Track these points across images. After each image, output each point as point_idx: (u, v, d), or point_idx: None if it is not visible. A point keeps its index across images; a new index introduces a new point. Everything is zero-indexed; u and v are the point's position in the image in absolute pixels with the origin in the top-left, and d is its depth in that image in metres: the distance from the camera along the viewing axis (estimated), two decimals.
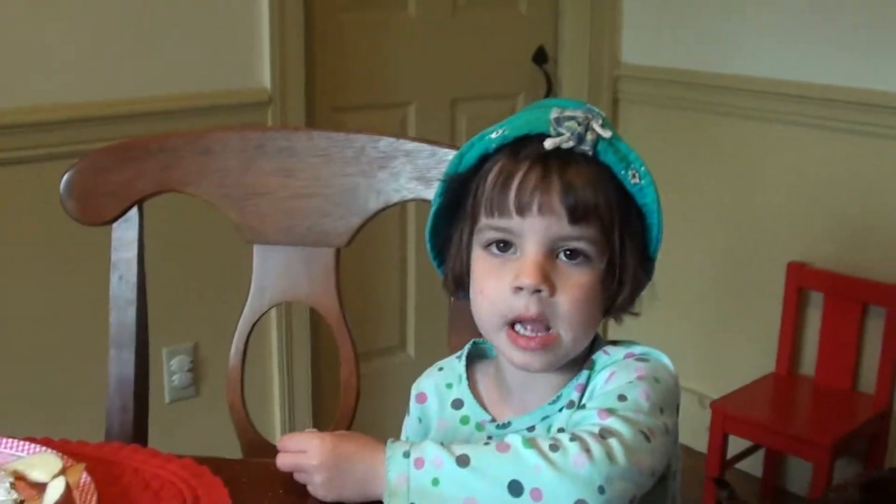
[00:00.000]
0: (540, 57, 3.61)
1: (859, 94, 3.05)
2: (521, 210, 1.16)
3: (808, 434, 2.95)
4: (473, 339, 1.35)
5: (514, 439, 1.09)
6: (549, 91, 3.62)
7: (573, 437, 1.08)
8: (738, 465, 3.27)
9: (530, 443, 1.08)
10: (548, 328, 1.17)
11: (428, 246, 1.32)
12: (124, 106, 2.66)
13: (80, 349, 2.65)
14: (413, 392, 1.36)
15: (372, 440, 1.15)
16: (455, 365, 1.34)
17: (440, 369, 1.36)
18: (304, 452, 1.16)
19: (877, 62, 3.03)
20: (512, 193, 1.16)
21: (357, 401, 1.60)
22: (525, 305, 1.16)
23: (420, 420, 1.34)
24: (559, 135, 1.15)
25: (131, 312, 1.61)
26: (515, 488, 1.06)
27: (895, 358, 3.04)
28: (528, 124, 1.18)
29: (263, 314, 1.61)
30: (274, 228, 1.58)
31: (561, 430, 1.19)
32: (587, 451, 1.06)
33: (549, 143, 1.15)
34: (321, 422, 3.18)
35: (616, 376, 1.18)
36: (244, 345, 1.61)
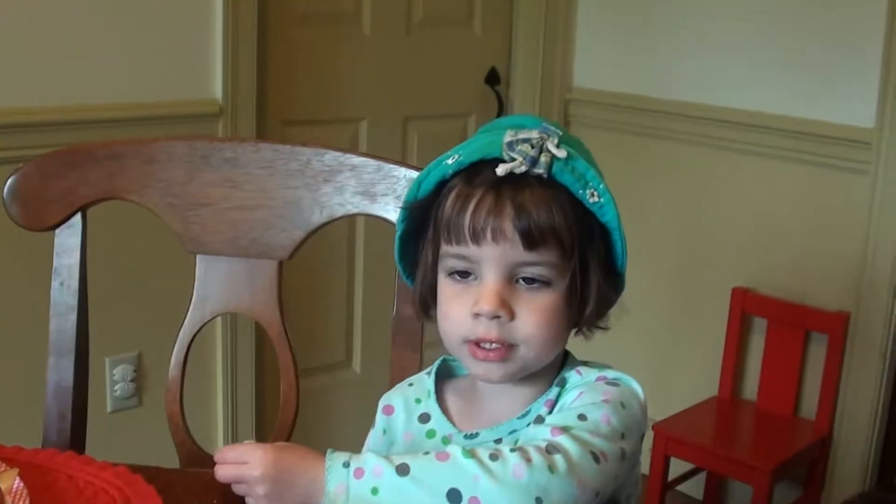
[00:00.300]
0: (492, 78, 3.63)
1: (806, 124, 3.09)
2: (476, 238, 1.16)
3: (749, 458, 2.97)
4: (443, 356, 1.35)
5: (454, 449, 1.10)
6: (500, 112, 3.63)
7: (514, 449, 1.09)
8: (680, 488, 3.29)
9: (470, 453, 1.09)
10: (510, 345, 1.18)
11: (399, 268, 1.32)
12: (73, 112, 2.64)
13: (18, 354, 2.63)
14: (381, 404, 1.36)
15: (313, 452, 1.15)
16: (424, 380, 1.34)
17: (410, 385, 1.35)
18: (245, 464, 1.14)
19: (824, 93, 3.07)
20: (467, 220, 1.16)
21: (296, 414, 1.60)
22: (485, 330, 1.17)
23: (385, 432, 1.33)
24: (512, 160, 1.15)
25: (72, 319, 1.60)
26: (454, 497, 1.07)
27: (836, 384, 3.07)
28: (481, 149, 1.18)
29: (205, 325, 1.61)
30: (217, 239, 1.57)
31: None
32: (527, 460, 1.07)
33: (500, 170, 1.15)
34: (264, 434, 3.17)
35: (583, 396, 1.19)
36: (185, 355, 1.60)
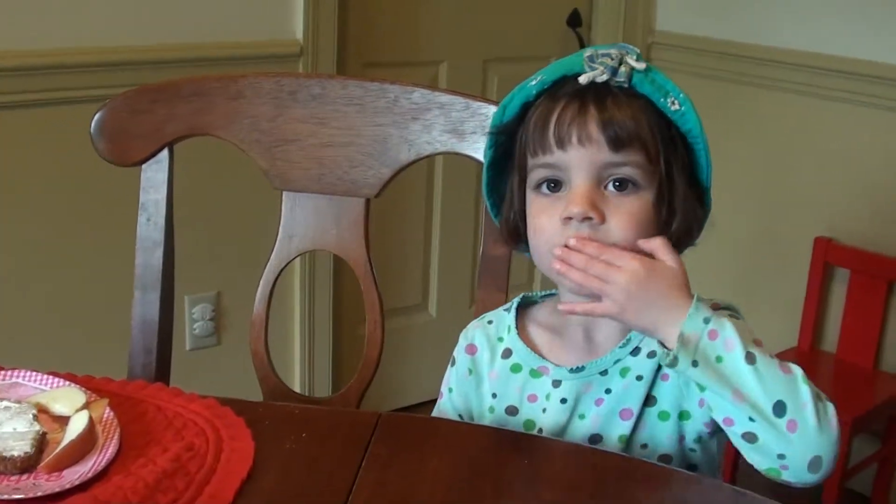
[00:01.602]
0: (574, 20, 3.58)
1: (893, 70, 3.02)
2: (562, 143, 1.18)
3: None
4: (523, 293, 1.36)
5: (797, 370, 1.14)
6: None
7: (823, 396, 1.15)
8: None
9: (807, 380, 1.13)
10: None
11: (487, 202, 1.34)
12: (156, 52, 2.65)
13: (105, 289, 2.66)
14: (462, 343, 1.37)
15: (682, 288, 1.17)
16: (504, 317, 1.35)
17: (489, 322, 1.36)
18: (613, 266, 1.15)
19: None
20: (551, 129, 1.19)
21: (381, 353, 1.60)
22: (576, 233, 1.18)
23: (471, 371, 1.35)
24: (593, 70, 1.18)
25: (158, 255, 1.61)
26: (779, 409, 1.11)
27: None
28: (563, 67, 1.22)
29: (290, 262, 1.61)
30: (304, 176, 1.57)
31: (639, 378, 1.23)
32: (836, 417, 1.13)
33: (583, 79, 1.18)
34: (340, 374, 3.19)
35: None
36: (269, 292, 1.61)
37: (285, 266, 1.61)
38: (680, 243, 1.23)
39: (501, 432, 1.27)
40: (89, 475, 1.08)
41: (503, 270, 1.54)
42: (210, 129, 1.58)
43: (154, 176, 1.59)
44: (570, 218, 1.17)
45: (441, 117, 1.53)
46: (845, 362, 3.17)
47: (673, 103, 1.19)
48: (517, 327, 1.33)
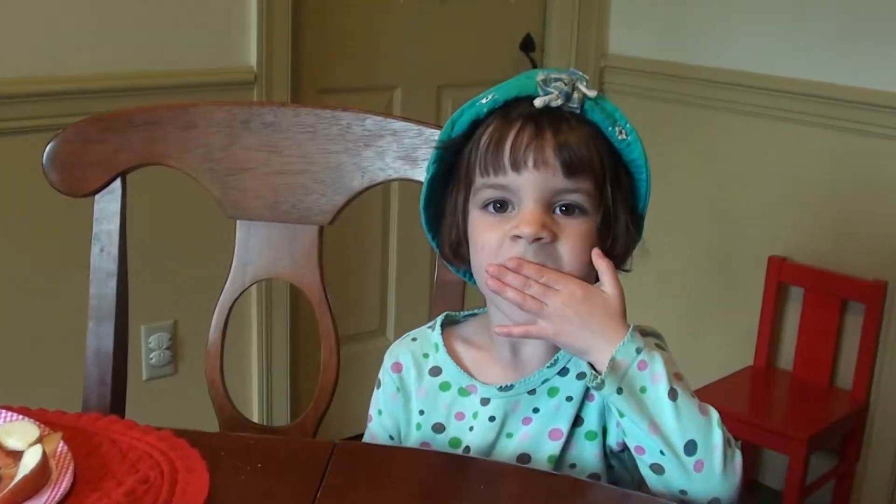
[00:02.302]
0: (527, 45, 3.61)
1: (844, 90, 3.05)
2: (517, 166, 1.19)
3: (785, 428, 2.95)
4: (446, 312, 1.38)
5: (714, 413, 1.16)
6: None
7: (733, 442, 1.17)
8: None
9: (722, 425, 1.15)
10: None
11: (423, 217, 1.33)
12: (108, 80, 2.64)
13: (58, 321, 2.64)
14: (387, 362, 1.37)
15: (617, 315, 1.18)
16: (429, 335, 1.36)
17: (413, 339, 1.38)
18: (550, 289, 1.17)
19: (863, 60, 3.03)
20: (506, 151, 1.20)
21: (336, 380, 1.60)
22: (522, 252, 1.19)
23: (398, 389, 1.35)
24: (547, 94, 1.19)
25: (112, 285, 1.60)
26: (690, 448, 1.13)
27: (873, 354, 3.05)
28: (516, 88, 1.22)
29: (245, 290, 1.61)
30: (257, 204, 1.57)
31: (569, 399, 1.25)
32: (741, 465, 1.16)
33: (538, 102, 1.19)
34: (299, 401, 3.18)
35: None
36: (224, 321, 1.60)
37: (240, 294, 1.60)
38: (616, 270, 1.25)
39: (456, 458, 1.27)
40: None
41: (458, 296, 1.54)
42: (162, 158, 1.58)
43: (107, 206, 1.58)
44: (519, 237, 1.18)
45: (394, 144, 1.54)
46: (801, 380, 3.20)
47: (620, 132, 1.21)
48: (445, 344, 1.34)
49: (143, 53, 2.71)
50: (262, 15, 2.85)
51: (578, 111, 1.20)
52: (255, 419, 3.07)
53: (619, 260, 1.24)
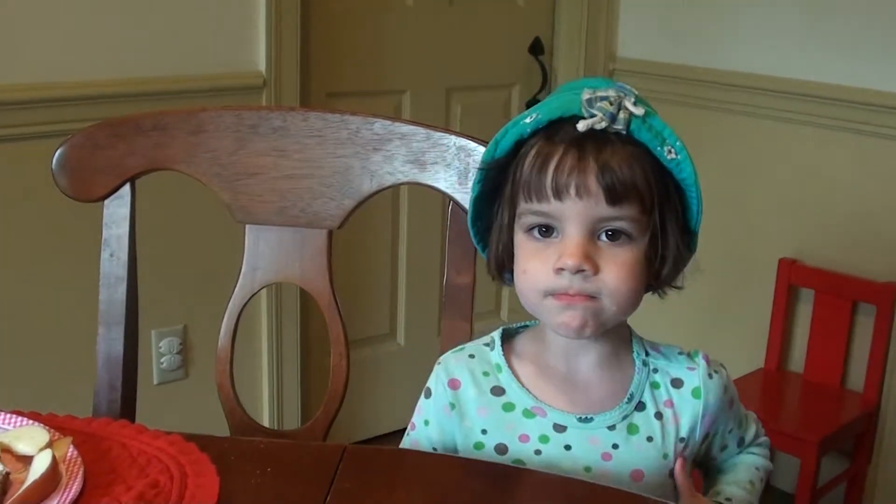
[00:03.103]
0: (536, 48, 3.61)
1: (856, 92, 3.05)
2: (559, 194, 1.17)
3: (796, 430, 2.95)
4: (503, 327, 1.35)
5: None
6: (544, 83, 3.61)
7: None
8: None
9: None
10: (593, 297, 1.19)
11: (471, 232, 1.33)
12: (119, 86, 2.65)
13: (69, 326, 2.64)
14: (442, 376, 1.34)
15: None
16: (487, 354, 1.33)
17: (471, 356, 1.34)
18: None
19: (873, 62, 3.03)
20: (549, 177, 1.18)
21: (346, 385, 1.59)
22: (568, 283, 1.18)
23: (453, 406, 1.32)
24: (592, 116, 1.16)
25: (121, 290, 1.60)
26: None
27: (884, 356, 3.04)
28: (560, 107, 1.19)
29: (254, 295, 1.61)
30: (266, 209, 1.57)
31: (650, 439, 1.26)
32: None
33: (581, 126, 1.16)
34: (309, 405, 3.18)
35: (736, 402, 1.36)
36: (234, 325, 1.60)
37: (249, 299, 1.60)
38: (666, 287, 1.26)
39: (468, 462, 1.27)
40: None
41: (467, 300, 1.54)
42: (171, 163, 1.58)
43: (116, 211, 1.59)
44: (563, 269, 1.17)
45: (402, 148, 1.54)
46: (812, 382, 3.19)
47: (670, 152, 1.18)
48: (507, 364, 1.32)
49: (153, 59, 2.71)
50: (270, 19, 2.86)
51: (625, 132, 1.17)
52: (266, 423, 3.07)
53: (668, 279, 1.24)
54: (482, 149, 1.49)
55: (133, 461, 1.20)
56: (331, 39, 3.14)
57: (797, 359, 3.28)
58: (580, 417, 1.26)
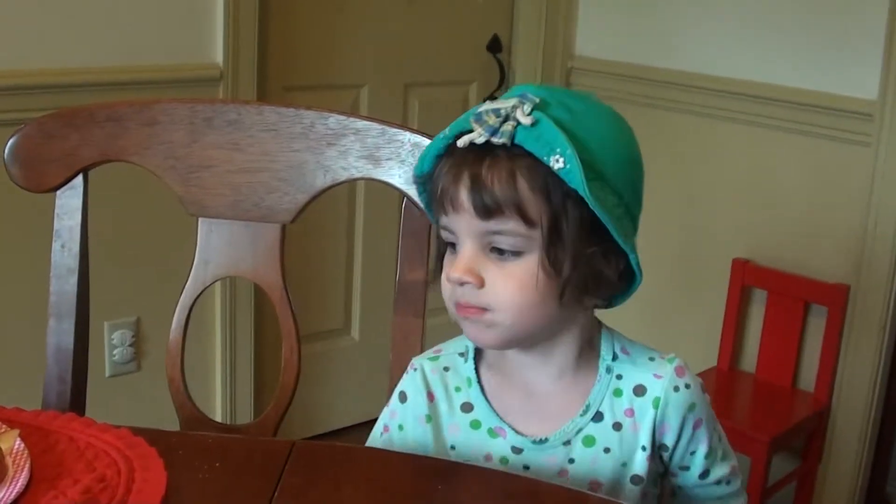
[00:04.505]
0: (494, 46, 3.61)
1: (808, 95, 3.08)
2: (444, 209, 1.19)
3: (747, 429, 2.97)
4: None
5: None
6: (502, 80, 3.62)
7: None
8: None
9: None
10: (484, 309, 1.19)
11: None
12: (72, 75, 2.63)
13: (18, 317, 2.62)
14: (419, 385, 1.34)
15: None
16: (460, 366, 1.34)
17: (446, 369, 1.34)
18: None
19: (827, 64, 3.05)
20: (437, 193, 1.20)
21: (298, 379, 1.59)
22: (461, 295, 1.20)
23: (429, 418, 1.32)
24: (474, 131, 1.16)
25: (73, 282, 1.59)
26: None
27: (835, 357, 3.07)
28: (462, 122, 1.19)
29: (206, 288, 1.60)
30: (219, 202, 1.56)
31: (607, 450, 1.26)
32: None
33: (460, 142, 1.17)
34: (263, 399, 3.17)
35: (704, 428, 1.30)
36: (186, 318, 1.59)
37: (201, 292, 1.60)
38: (583, 299, 1.22)
39: (415, 458, 1.27)
40: None
41: (420, 296, 1.54)
42: (124, 154, 1.57)
43: (68, 202, 1.57)
44: (450, 281, 1.19)
45: (357, 143, 1.53)
46: (764, 382, 3.21)
47: (557, 161, 1.13)
48: (478, 378, 1.32)
49: (108, 49, 2.70)
50: (228, 11, 2.85)
51: (509, 144, 1.14)
52: (219, 417, 3.06)
53: (582, 289, 1.20)
54: None
55: (80, 455, 1.20)
56: (289, 33, 3.14)
57: (749, 358, 3.30)
58: (535, 440, 1.27)
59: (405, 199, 1.54)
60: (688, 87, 3.37)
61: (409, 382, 1.35)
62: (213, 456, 1.21)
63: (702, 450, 1.31)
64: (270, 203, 1.55)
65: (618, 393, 1.27)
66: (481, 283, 1.18)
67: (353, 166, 1.54)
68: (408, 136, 1.52)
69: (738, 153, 3.30)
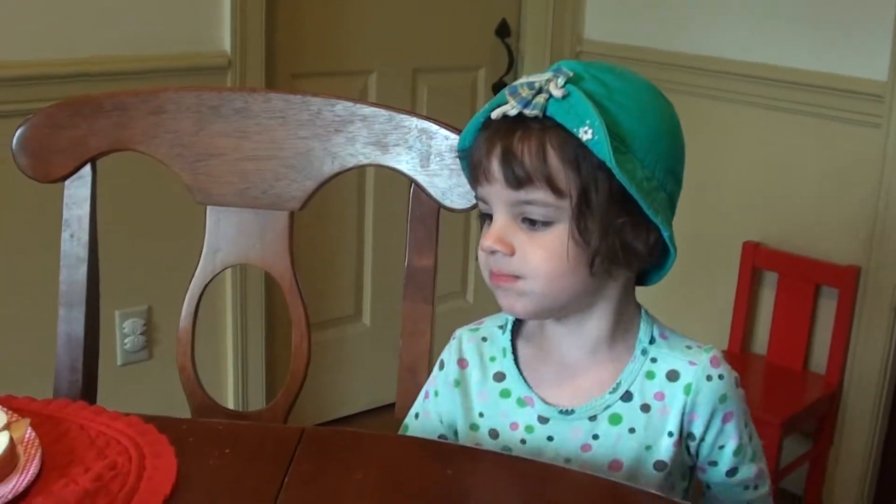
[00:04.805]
0: (503, 30, 3.61)
1: (818, 77, 3.06)
2: (479, 180, 1.22)
3: (759, 412, 2.97)
4: None
5: None
6: (511, 65, 3.61)
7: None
8: None
9: None
10: (515, 276, 1.21)
11: None
12: (80, 65, 2.63)
13: (29, 306, 2.63)
14: (454, 352, 1.37)
15: None
16: (498, 337, 1.35)
17: (483, 339, 1.36)
18: None
19: (837, 46, 3.04)
20: (472, 164, 1.23)
21: (307, 366, 1.60)
22: (493, 263, 1.22)
23: (458, 383, 1.35)
24: (507, 103, 1.18)
25: (82, 271, 1.59)
26: None
27: (846, 339, 3.06)
28: (500, 98, 1.21)
29: (215, 276, 1.60)
30: (227, 190, 1.57)
31: (632, 430, 1.26)
32: None
33: (494, 114, 1.19)
34: (275, 386, 3.18)
35: (734, 422, 1.30)
36: (195, 307, 1.60)
37: (210, 280, 1.60)
38: (612, 270, 1.23)
39: (425, 443, 1.27)
40: (10, 497, 1.07)
41: (429, 282, 1.55)
42: (131, 143, 1.57)
43: (77, 192, 1.58)
44: (483, 250, 1.22)
45: (364, 129, 1.53)
46: (775, 364, 3.21)
47: (586, 132, 1.15)
48: (513, 349, 1.33)
49: (116, 38, 2.70)
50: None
51: (541, 116, 1.16)
52: (231, 405, 3.07)
53: (611, 261, 1.21)
54: (444, 131, 1.50)
55: (91, 443, 1.20)
56: (297, 20, 3.13)
57: (761, 341, 3.30)
58: (561, 410, 1.28)
59: (412, 185, 1.54)
60: (696, 70, 3.36)
61: (447, 351, 1.38)
62: (224, 443, 1.22)
63: (731, 445, 1.31)
64: (279, 190, 1.56)
65: (650, 375, 1.27)
66: (512, 252, 1.20)
67: (360, 153, 1.54)
68: (415, 122, 1.52)
69: (747, 135, 3.29)
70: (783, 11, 3.15)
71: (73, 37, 2.63)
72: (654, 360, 1.28)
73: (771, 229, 3.25)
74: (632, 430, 1.26)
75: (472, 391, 1.33)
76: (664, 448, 1.27)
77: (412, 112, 1.54)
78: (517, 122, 1.18)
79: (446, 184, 1.51)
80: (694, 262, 3.47)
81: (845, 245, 3.08)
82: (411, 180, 1.53)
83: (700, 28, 3.36)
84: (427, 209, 1.54)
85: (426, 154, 1.51)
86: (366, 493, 1.13)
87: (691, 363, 1.27)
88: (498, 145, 1.18)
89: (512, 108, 1.17)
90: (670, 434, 1.27)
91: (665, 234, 1.24)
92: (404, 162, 1.52)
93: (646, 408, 1.26)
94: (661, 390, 1.27)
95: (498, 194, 1.20)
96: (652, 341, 1.29)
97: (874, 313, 3.03)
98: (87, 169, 1.57)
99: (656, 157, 1.21)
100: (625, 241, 1.21)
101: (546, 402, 1.29)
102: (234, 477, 1.16)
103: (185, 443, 1.20)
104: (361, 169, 2.91)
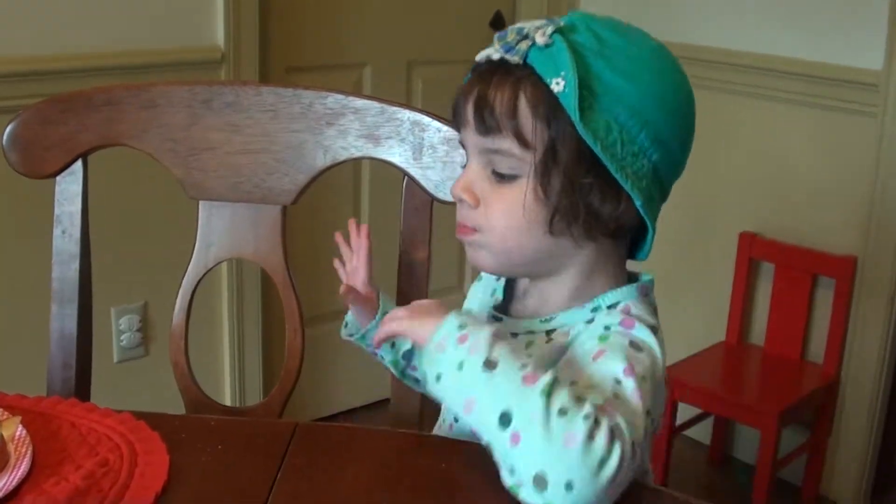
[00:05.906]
0: (497, 22, 3.59)
1: (813, 66, 3.06)
2: (455, 122, 1.22)
3: (757, 402, 2.97)
4: None
5: (543, 381, 1.03)
6: None
7: (589, 415, 1.00)
8: (687, 433, 3.29)
9: (549, 392, 1.02)
10: (473, 229, 1.21)
11: None
12: (73, 60, 2.62)
13: (22, 303, 2.62)
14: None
15: (435, 307, 1.19)
16: (495, 286, 1.38)
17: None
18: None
19: (832, 35, 3.03)
20: (454, 106, 1.22)
21: (301, 361, 1.60)
22: (459, 212, 1.22)
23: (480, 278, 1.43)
24: (493, 47, 1.17)
25: (74, 267, 1.58)
26: (503, 420, 1.03)
27: (843, 329, 3.06)
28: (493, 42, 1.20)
29: (209, 271, 1.60)
30: (219, 185, 1.56)
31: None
32: (590, 437, 0.99)
33: (478, 57, 1.19)
34: (271, 382, 3.17)
35: (606, 357, 1.12)
36: (188, 302, 1.59)
37: (203, 275, 1.59)
38: (573, 231, 1.17)
39: (419, 438, 1.27)
40: (0, 495, 1.07)
41: (423, 275, 1.54)
42: (123, 138, 1.56)
43: (68, 188, 1.57)
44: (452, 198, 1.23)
45: (356, 122, 1.53)
46: (773, 355, 3.21)
47: (557, 83, 1.11)
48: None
49: (109, 33, 2.69)
50: None
51: (522, 63, 1.13)
52: (228, 401, 3.06)
53: (568, 224, 1.16)
54: (437, 123, 1.50)
55: (83, 440, 1.19)
56: (290, 13, 3.12)
57: (758, 331, 3.30)
58: (495, 316, 1.30)
59: (405, 178, 1.53)
60: (690, 61, 3.32)
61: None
62: (216, 438, 1.21)
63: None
64: (271, 184, 1.55)
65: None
66: (476, 203, 1.19)
67: (352, 145, 1.53)
68: (407, 115, 1.52)
69: (743, 125, 3.29)
70: (778, 1, 3.14)
71: (64, 32, 2.62)
72: (590, 322, 1.20)
73: (767, 219, 3.24)
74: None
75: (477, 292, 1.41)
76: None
77: (404, 104, 1.54)
78: (498, 68, 1.15)
79: (439, 176, 1.50)
80: (691, 253, 3.47)
81: (842, 235, 3.08)
82: (404, 173, 1.53)
83: (694, 18, 3.36)
84: (420, 202, 1.53)
85: (419, 146, 1.51)
86: (359, 488, 1.13)
87: (588, 322, 1.21)
88: (475, 90, 1.16)
89: (495, 52, 1.15)
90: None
91: (637, 203, 1.17)
92: (397, 154, 1.52)
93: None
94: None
95: (471, 140, 1.18)
96: (611, 308, 1.21)
97: (871, 302, 3.03)
98: (79, 164, 1.57)
99: (642, 121, 1.15)
100: (589, 204, 1.15)
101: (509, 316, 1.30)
102: (227, 472, 1.15)
103: (178, 439, 1.19)
104: (357, 163, 2.90)
